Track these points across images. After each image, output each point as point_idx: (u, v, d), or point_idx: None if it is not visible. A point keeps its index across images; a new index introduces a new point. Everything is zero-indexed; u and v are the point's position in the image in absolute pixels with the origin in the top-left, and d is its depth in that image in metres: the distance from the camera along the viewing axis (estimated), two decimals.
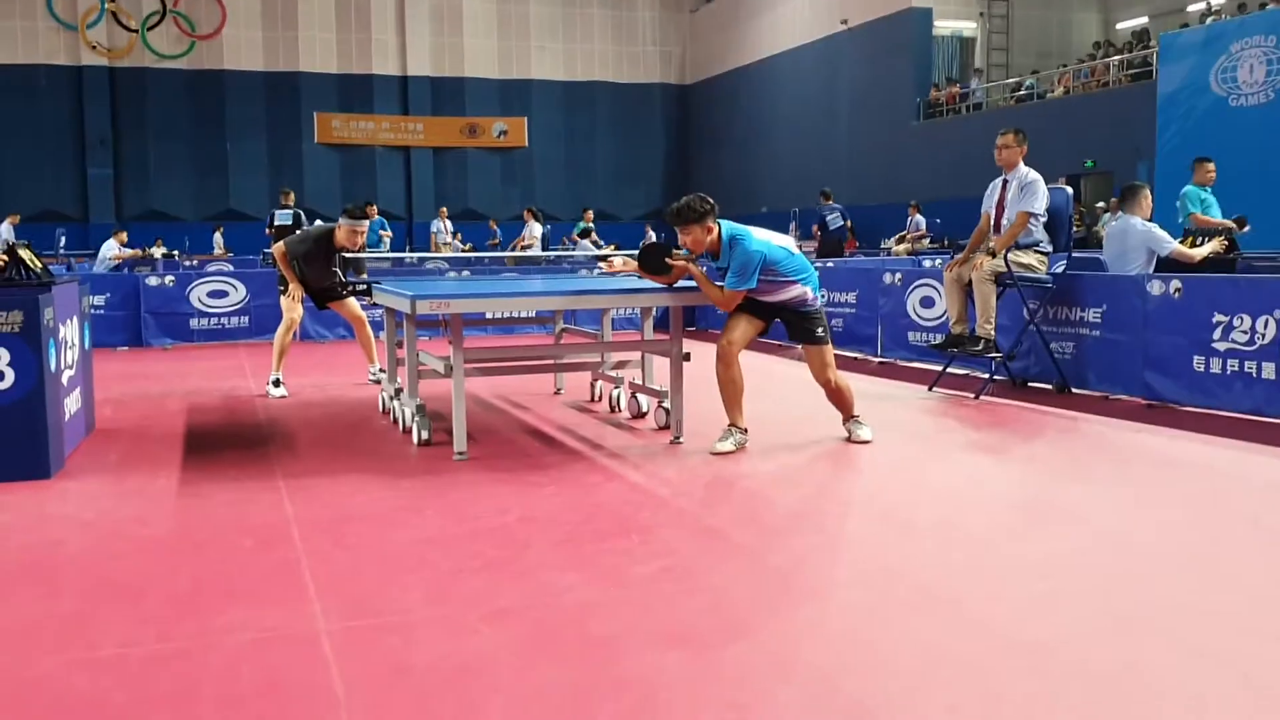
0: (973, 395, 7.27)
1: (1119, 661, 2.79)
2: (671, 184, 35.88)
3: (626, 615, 3.19)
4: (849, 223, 19.35)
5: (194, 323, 11.59)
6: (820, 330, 5.67)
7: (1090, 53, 24.93)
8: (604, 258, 7.08)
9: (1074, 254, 7.83)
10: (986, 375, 7.46)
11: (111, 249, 16.90)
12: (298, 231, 12.17)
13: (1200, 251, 7.78)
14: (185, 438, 6.13)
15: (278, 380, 7.75)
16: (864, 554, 3.78)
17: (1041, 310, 7.31)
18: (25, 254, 5.45)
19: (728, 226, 5.53)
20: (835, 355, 5.82)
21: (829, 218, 18.11)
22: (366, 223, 7.71)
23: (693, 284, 5.68)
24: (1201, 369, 6.42)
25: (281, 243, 7.69)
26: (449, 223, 22.00)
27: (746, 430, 5.63)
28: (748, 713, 2.52)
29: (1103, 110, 20.91)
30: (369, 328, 8.20)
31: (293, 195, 15.41)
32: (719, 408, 5.58)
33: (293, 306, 7.76)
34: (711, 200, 5.51)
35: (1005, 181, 7.32)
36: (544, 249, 19.38)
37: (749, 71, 32.92)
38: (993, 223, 7.37)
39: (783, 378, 8.21)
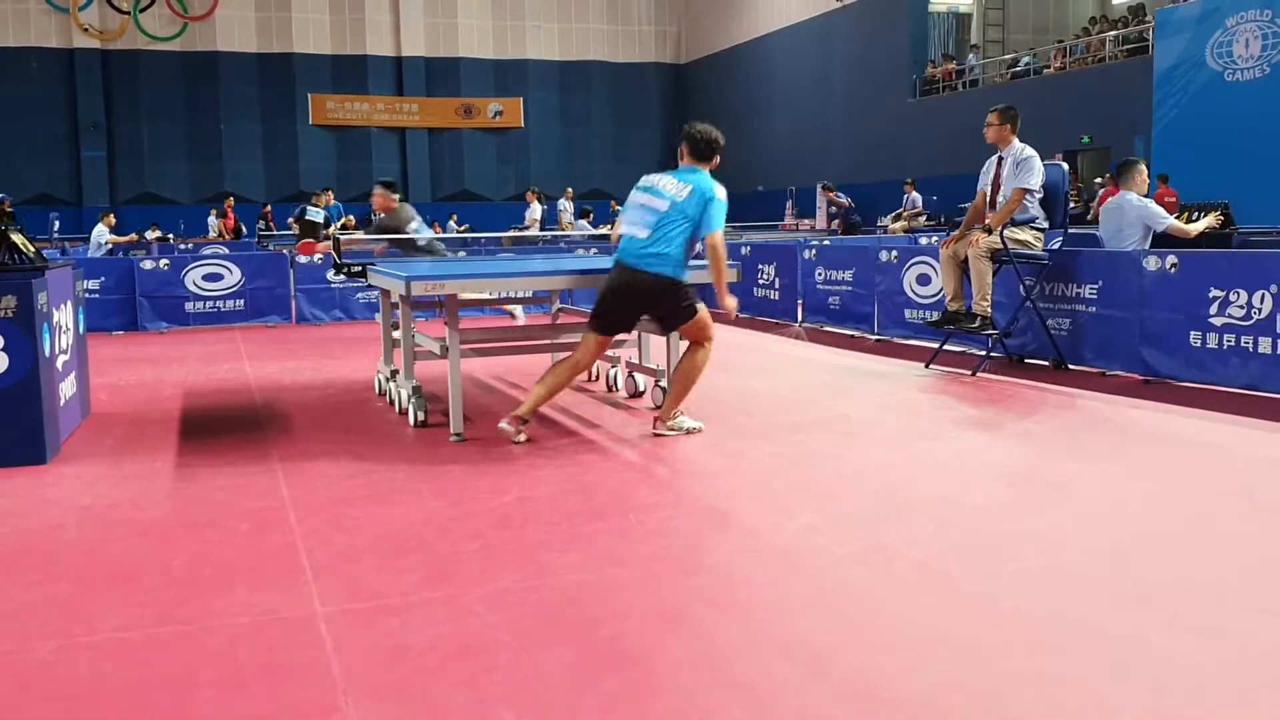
0: (969, 372, 7.27)
1: (1115, 636, 2.80)
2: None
3: (625, 595, 3.20)
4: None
5: (189, 306, 11.55)
6: None
7: (1086, 28, 24.84)
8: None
9: (1070, 230, 7.80)
10: (983, 352, 7.46)
11: (103, 234, 16.83)
12: (328, 228, 12.83)
13: (1196, 226, 7.77)
14: (181, 421, 6.13)
15: None
16: (862, 531, 3.78)
17: (1038, 286, 7.30)
18: (18, 238, 5.42)
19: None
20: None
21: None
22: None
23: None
24: (1198, 344, 6.42)
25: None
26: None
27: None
28: (748, 691, 2.52)
29: (1099, 86, 20.85)
30: None
31: (326, 197, 16.35)
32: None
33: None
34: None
35: (1001, 158, 7.30)
36: (542, 229, 19.44)
37: (744, 50, 32.80)
38: (988, 199, 7.36)
39: (783, 356, 8.20)
